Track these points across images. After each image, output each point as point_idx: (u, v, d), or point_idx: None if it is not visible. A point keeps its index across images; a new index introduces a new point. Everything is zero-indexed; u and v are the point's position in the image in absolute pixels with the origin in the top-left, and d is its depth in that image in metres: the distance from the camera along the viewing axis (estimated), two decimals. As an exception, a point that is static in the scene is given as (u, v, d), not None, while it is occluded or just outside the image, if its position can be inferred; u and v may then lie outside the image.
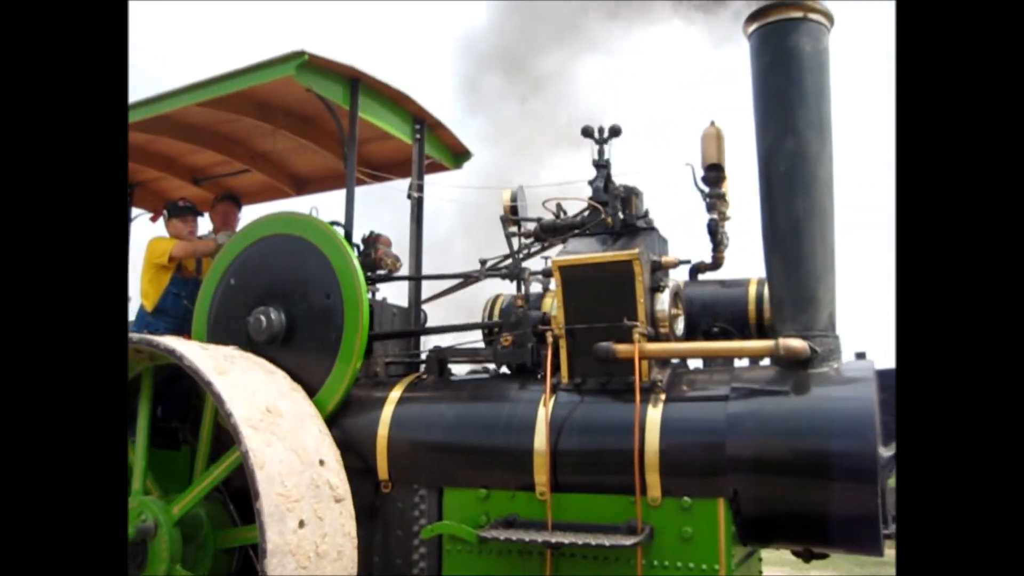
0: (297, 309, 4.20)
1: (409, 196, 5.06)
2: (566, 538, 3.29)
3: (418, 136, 5.02)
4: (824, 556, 3.35)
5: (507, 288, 4.63)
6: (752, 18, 3.69)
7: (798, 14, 3.57)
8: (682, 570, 3.26)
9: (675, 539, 3.27)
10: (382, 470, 3.92)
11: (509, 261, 4.38)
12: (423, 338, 4.75)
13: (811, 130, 3.50)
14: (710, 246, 4.08)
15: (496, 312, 4.48)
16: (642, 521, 3.30)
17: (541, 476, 3.54)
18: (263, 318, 4.19)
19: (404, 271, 4.85)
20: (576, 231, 4.03)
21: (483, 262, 4.47)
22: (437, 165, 5.38)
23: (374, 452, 3.93)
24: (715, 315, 3.86)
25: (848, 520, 3.05)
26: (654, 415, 3.37)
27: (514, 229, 4.40)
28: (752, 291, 3.86)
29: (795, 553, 3.44)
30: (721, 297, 3.88)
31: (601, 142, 4.10)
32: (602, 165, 4.09)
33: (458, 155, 5.44)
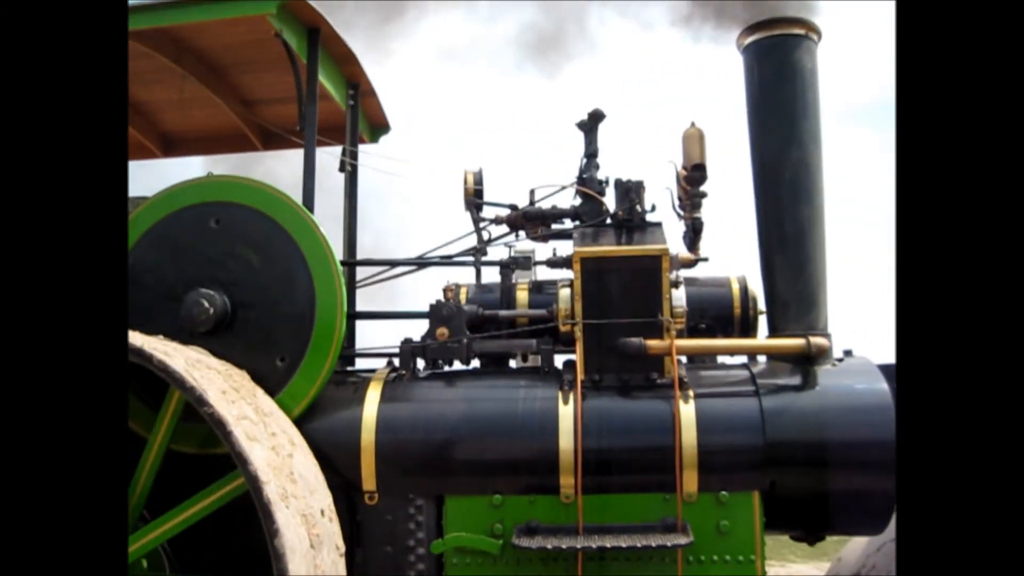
0: (245, 293, 3.51)
1: (342, 168, 4.50)
2: (619, 541, 3.17)
3: (352, 102, 4.49)
4: (822, 539, 3.61)
5: (461, 277, 4.32)
6: (751, 30, 3.85)
7: (800, 31, 3.79)
8: (718, 564, 3.31)
9: (712, 533, 3.31)
10: (367, 480, 3.44)
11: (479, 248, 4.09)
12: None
13: (812, 142, 3.75)
14: (686, 244, 4.17)
15: (462, 302, 4.14)
16: (681, 518, 3.29)
17: (568, 478, 3.36)
18: (204, 303, 3.44)
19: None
20: (577, 223, 3.89)
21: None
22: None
23: (356, 460, 3.44)
24: (702, 313, 3.96)
25: (873, 504, 3.33)
26: (688, 411, 3.37)
27: (483, 214, 4.12)
28: (736, 290, 4.02)
29: (795, 538, 3.66)
30: (707, 295, 3.99)
31: (589, 130, 4.00)
32: (592, 155, 3.99)
33: (376, 128, 4.95)
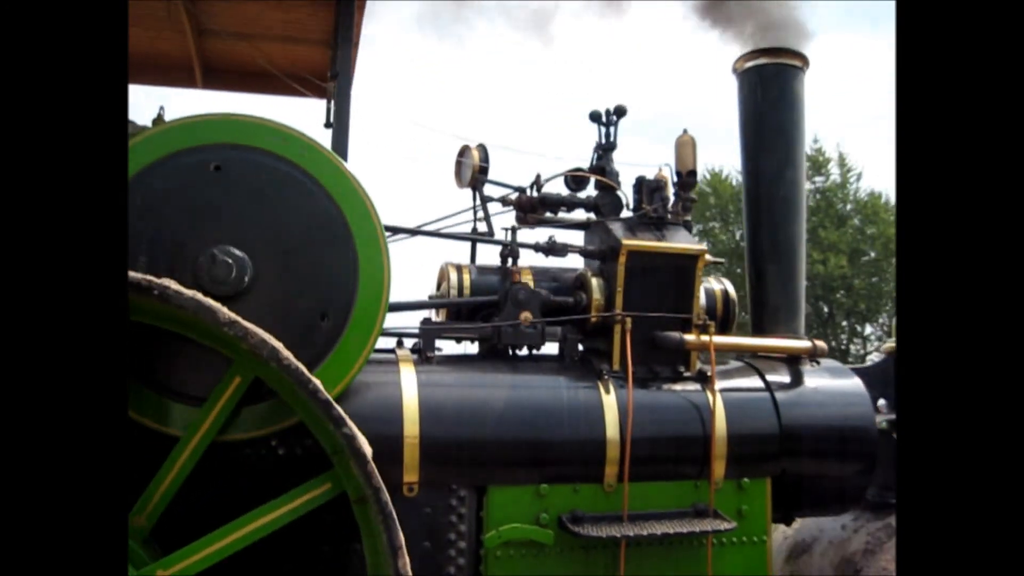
0: (269, 253, 3.02)
1: (328, 124, 4.04)
2: (667, 527, 3.30)
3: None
4: (794, 519, 4.04)
5: (454, 256, 4.11)
6: (752, 56, 4.19)
7: (798, 63, 4.21)
8: (737, 545, 3.58)
9: (733, 516, 3.55)
10: (409, 471, 3.18)
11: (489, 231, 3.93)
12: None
13: (801, 164, 4.18)
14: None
15: (466, 284, 3.92)
16: (712, 504, 3.50)
17: (611, 467, 3.41)
18: (228, 260, 2.89)
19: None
20: (590, 215, 3.91)
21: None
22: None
23: (398, 451, 3.16)
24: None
25: (852, 486, 3.82)
26: (718, 403, 3.59)
27: (491, 194, 3.97)
28: (719, 292, 4.32)
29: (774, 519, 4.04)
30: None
31: (608, 124, 4.05)
32: (609, 147, 4.04)
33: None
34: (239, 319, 2.45)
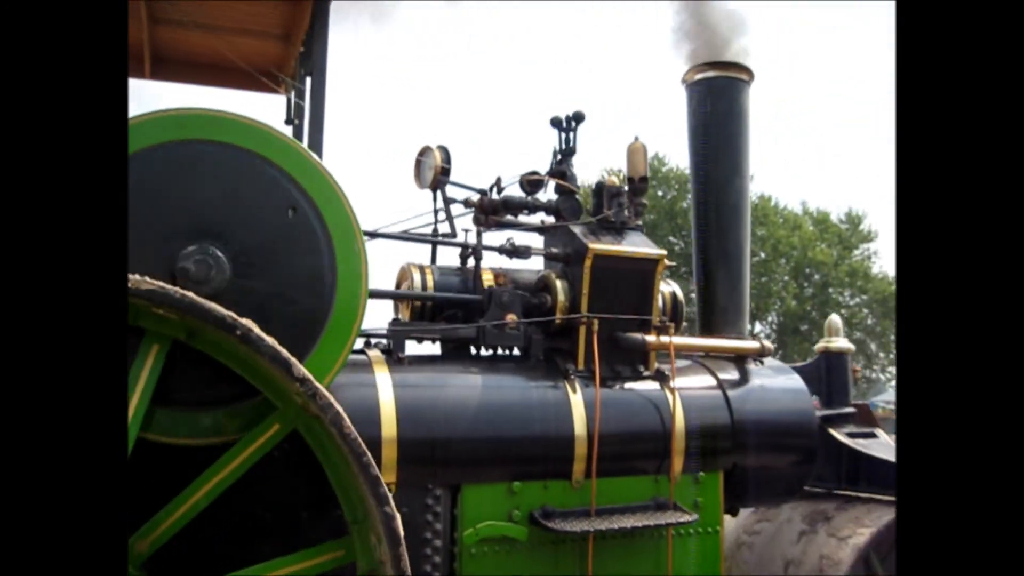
0: (245, 253, 2.96)
1: (289, 120, 3.96)
2: (634, 521, 3.44)
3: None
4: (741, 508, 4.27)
5: (405, 257, 4.13)
6: (701, 68, 4.40)
7: (745, 77, 4.44)
8: (694, 536, 3.76)
9: (691, 509, 3.73)
10: (387, 471, 3.18)
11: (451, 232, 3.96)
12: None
13: (746, 174, 4.42)
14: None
15: (430, 284, 3.93)
16: (672, 498, 3.67)
17: (579, 464, 3.52)
18: (210, 261, 2.83)
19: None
20: (551, 218, 4.00)
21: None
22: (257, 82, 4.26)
23: (377, 451, 3.16)
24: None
25: (795, 477, 4.08)
26: (677, 402, 3.76)
27: (452, 195, 4.01)
28: (667, 293, 4.49)
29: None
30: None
31: (568, 130, 4.15)
32: (569, 152, 4.15)
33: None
34: (311, 377, 2.44)
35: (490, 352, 3.90)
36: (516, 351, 3.80)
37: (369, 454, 2.47)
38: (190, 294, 2.39)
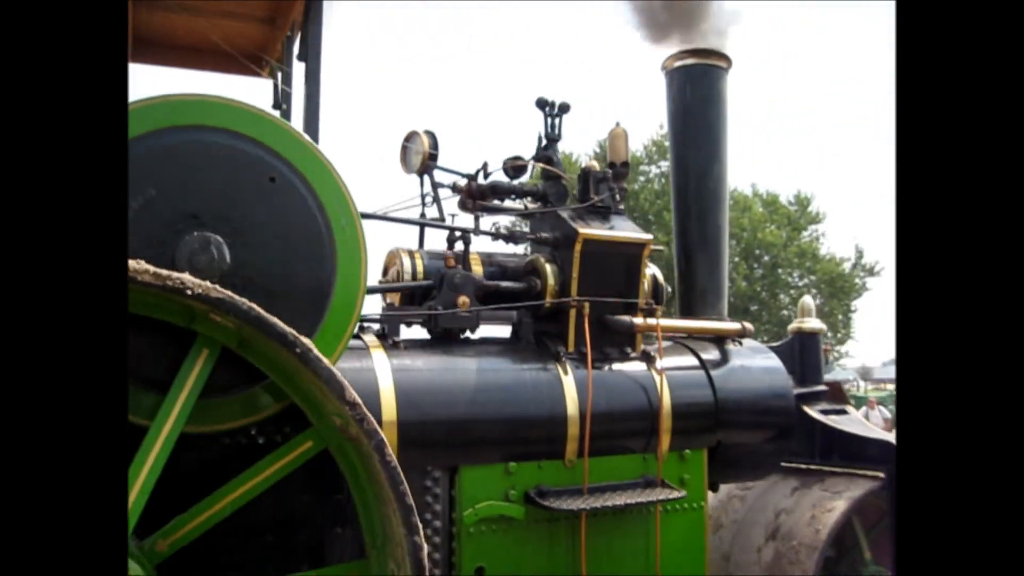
0: (244, 240, 2.95)
1: (276, 104, 3.92)
2: (625, 498, 3.55)
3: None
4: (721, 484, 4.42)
5: (401, 241, 4.13)
6: (680, 56, 4.49)
7: (723, 64, 4.55)
8: (680, 511, 3.89)
9: (676, 485, 3.87)
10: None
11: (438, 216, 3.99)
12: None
13: (725, 159, 4.53)
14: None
15: (419, 269, 3.94)
16: (660, 475, 3.79)
17: (572, 443, 3.61)
18: (213, 251, 2.82)
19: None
20: (538, 203, 4.06)
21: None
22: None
23: (377, 434, 3.20)
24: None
25: (770, 454, 4.24)
26: (664, 382, 3.87)
27: (441, 180, 4.03)
28: (648, 276, 4.58)
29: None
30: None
31: (554, 116, 4.20)
32: (554, 139, 4.20)
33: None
34: (359, 401, 2.49)
35: (476, 336, 3.96)
36: (470, 334, 3.86)
37: (406, 483, 2.52)
38: (256, 307, 2.41)
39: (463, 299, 3.58)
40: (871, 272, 32.39)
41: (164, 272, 2.32)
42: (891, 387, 15.92)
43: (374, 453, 2.51)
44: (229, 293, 2.39)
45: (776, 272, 33.33)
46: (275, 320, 2.42)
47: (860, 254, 32.66)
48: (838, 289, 31.85)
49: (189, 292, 2.32)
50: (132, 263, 2.30)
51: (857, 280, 32.30)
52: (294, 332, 2.43)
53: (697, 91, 4.50)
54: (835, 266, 32.46)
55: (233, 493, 2.55)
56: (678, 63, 4.52)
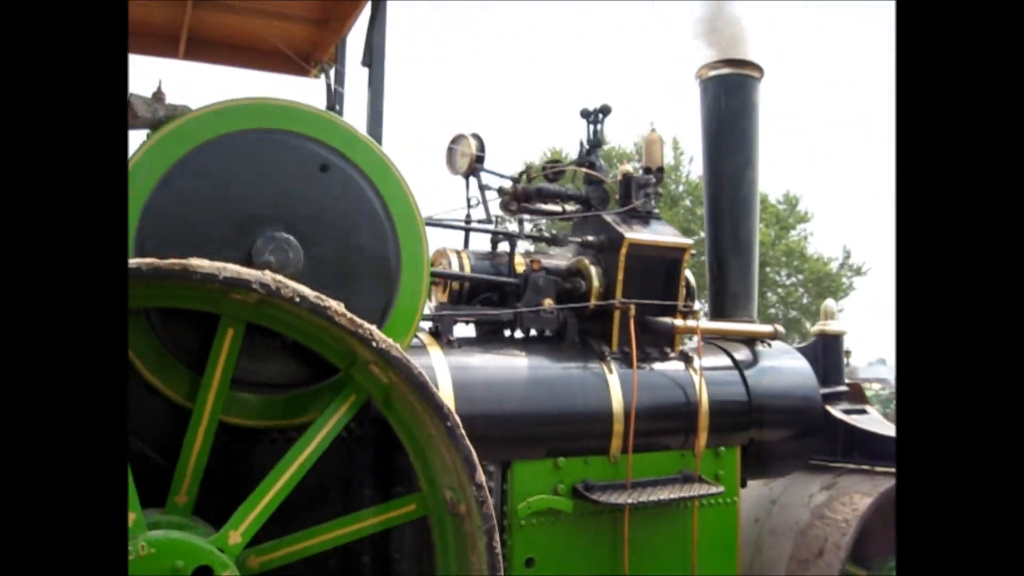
0: (316, 240, 3.05)
1: (331, 105, 4.00)
2: (668, 493, 3.70)
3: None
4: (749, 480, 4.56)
5: (447, 242, 4.24)
6: (716, 66, 4.63)
7: (757, 74, 4.69)
8: (714, 507, 4.04)
9: (712, 480, 4.01)
10: (446, 450, 3.35)
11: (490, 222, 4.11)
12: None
13: (757, 166, 4.68)
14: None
15: (467, 268, 4.06)
16: (698, 471, 3.94)
17: (616, 440, 3.75)
18: (288, 250, 2.93)
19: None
20: (578, 207, 4.18)
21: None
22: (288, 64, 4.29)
23: (438, 428, 3.33)
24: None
25: (799, 452, 4.40)
26: (702, 381, 4.02)
27: (488, 183, 4.15)
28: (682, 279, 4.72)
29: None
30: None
31: (595, 121, 4.33)
32: (596, 143, 4.33)
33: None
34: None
35: (523, 335, 4.09)
36: (548, 333, 4.00)
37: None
38: (422, 372, 2.62)
39: (548, 301, 3.71)
40: (858, 272, 32.77)
41: (359, 320, 2.45)
42: (876, 386, 16.14)
43: (483, 536, 2.64)
44: (408, 359, 2.56)
45: (764, 270, 33.66)
46: (435, 390, 2.59)
47: (847, 254, 33.02)
48: (825, 289, 32.18)
49: (374, 345, 2.49)
50: (332, 303, 2.48)
51: (844, 280, 32.66)
52: (449, 407, 2.62)
53: (732, 101, 4.64)
54: (822, 265, 32.79)
55: (336, 531, 2.69)
56: (712, 73, 4.65)
